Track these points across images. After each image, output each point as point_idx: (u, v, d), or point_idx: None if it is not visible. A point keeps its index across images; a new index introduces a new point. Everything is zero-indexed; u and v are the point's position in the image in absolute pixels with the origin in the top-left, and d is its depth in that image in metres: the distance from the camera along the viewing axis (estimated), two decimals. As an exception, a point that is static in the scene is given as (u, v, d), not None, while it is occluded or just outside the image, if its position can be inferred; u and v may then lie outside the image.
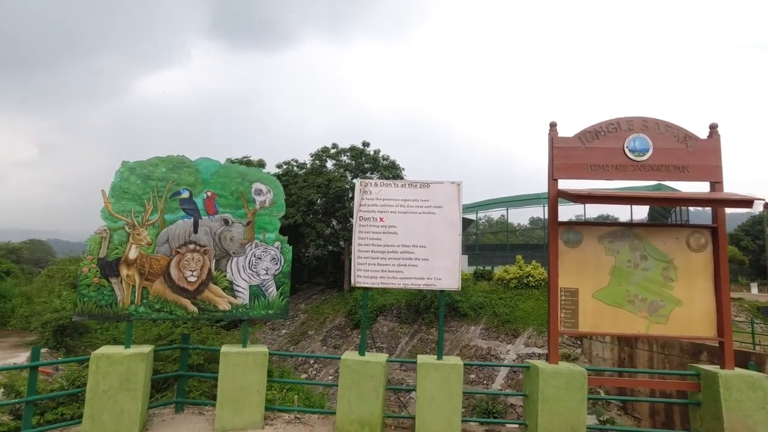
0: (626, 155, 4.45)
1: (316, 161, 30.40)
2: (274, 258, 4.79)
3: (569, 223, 4.57)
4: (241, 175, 4.82)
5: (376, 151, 30.41)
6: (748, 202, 3.98)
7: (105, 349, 4.23)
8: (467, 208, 31.49)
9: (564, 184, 4.56)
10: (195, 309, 4.53)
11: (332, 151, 30.76)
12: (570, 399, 4.07)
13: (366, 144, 29.93)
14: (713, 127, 4.49)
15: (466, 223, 36.62)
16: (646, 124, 4.49)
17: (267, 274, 4.74)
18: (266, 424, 4.47)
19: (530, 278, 21.72)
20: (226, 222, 4.70)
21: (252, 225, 4.76)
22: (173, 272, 4.49)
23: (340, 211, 28.58)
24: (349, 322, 25.65)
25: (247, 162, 32.02)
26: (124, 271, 4.34)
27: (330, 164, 30.68)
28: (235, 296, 4.64)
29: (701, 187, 4.58)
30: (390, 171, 28.20)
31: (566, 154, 4.51)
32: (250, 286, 4.68)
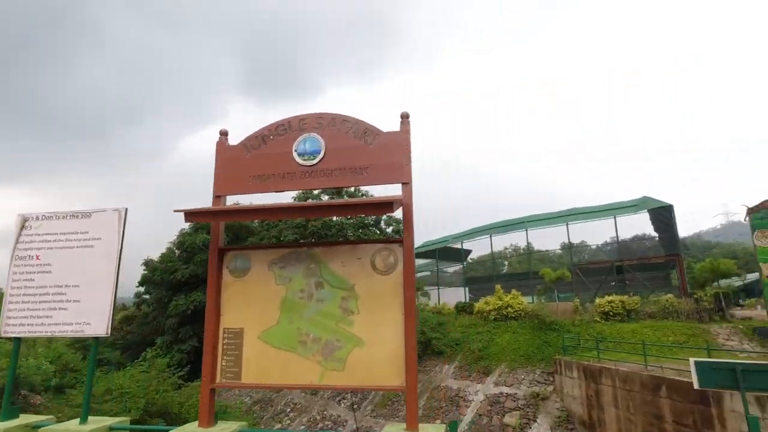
0: (295, 160, 3.64)
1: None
2: None
3: (236, 248, 3.73)
4: None
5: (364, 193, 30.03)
6: (388, 206, 3.05)
7: None
8: (455, 238, 30.15)
9: (235, 201, 3.78)
10: None
11: (315, 192, 30.65)
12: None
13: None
14: (404, 117, 3.63)
15: (466, 253, 35.08)
16: (320, 121, 3.70)
17: None
18: None
19: (509, 309, 19.99)
20: None
21: None
22: None
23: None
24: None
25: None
26: None
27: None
28: None
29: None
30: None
31: (230, 166, 3.75)
32: None
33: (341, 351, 3.36)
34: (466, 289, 31.57)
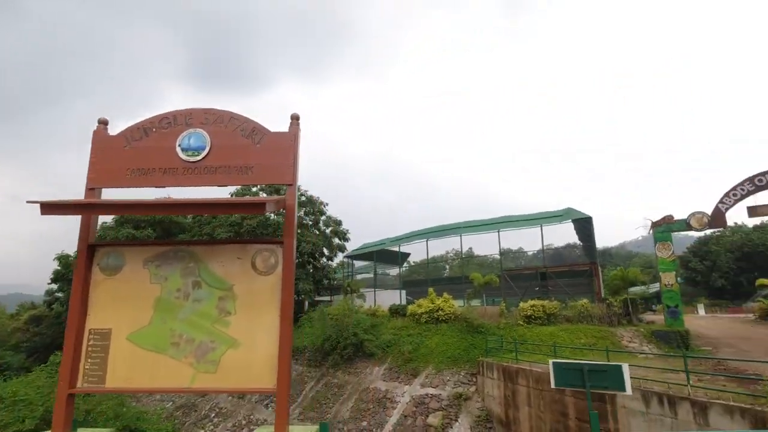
0: (178, 155, 3.52)
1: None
2: None
3: (109, 244, 3.55)
4: None
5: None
6: (260, 206, 3.04)
7: None
8: (392, 241, 30.59)
9: (112, 194, 3.58)
10: None
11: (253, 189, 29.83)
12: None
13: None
14: (294, 118, 3.63)
15: (403, 256, 35.61)
16: (208, 117, 3.60)
17: None
18: None
19: (440, 312, 20.54)
20: None
21: None
22: None
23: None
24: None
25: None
26: None
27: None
28: None
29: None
30: (308, 206, 27.32)
31: (107, 157, 3.55)
32: None
33: (215, 353, 3.28)
34: (404, 292, 32.04)
